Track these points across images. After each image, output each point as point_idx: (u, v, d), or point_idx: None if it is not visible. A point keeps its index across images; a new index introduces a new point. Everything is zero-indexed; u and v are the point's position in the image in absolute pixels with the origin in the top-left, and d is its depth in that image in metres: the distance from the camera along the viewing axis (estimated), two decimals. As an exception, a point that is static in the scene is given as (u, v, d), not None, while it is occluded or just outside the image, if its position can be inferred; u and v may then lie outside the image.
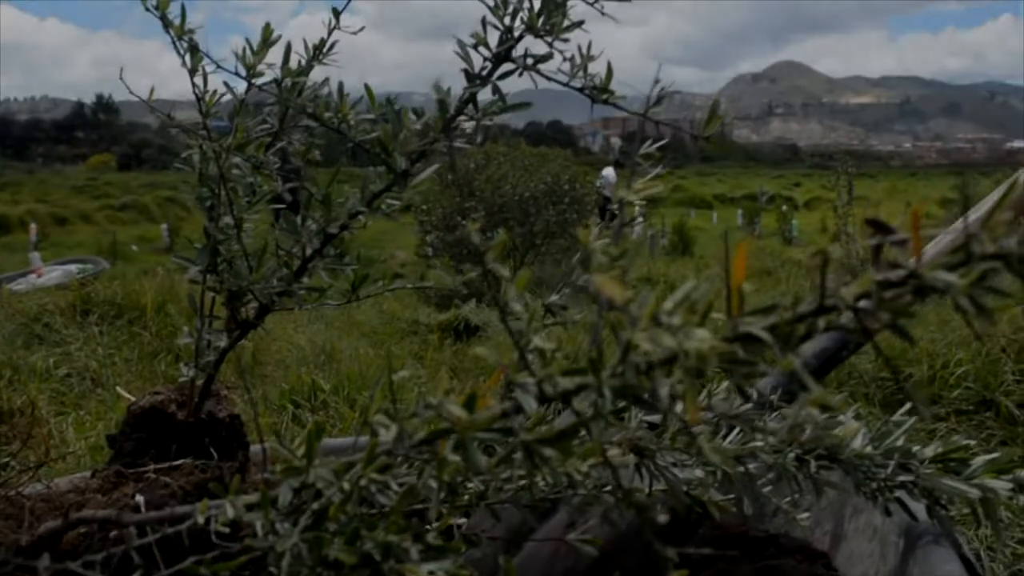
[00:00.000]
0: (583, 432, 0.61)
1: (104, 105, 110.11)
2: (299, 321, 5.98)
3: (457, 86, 1.11)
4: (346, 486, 0.69)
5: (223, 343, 1.40)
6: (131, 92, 1.26)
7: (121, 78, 1.30)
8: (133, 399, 1.54)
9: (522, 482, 0.96)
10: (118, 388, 2.39)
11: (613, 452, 0.72)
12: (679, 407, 0.58)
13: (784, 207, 20.95)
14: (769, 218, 21.29)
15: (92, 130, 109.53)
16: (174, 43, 1.16)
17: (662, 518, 0.60)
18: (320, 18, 1.27)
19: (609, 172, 20.10)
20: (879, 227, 0.54)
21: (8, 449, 2.65)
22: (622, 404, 0.59)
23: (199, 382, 1.45)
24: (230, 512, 0.75)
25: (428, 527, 0.75)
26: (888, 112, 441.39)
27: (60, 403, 3.93)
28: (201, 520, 0.75)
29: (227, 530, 0.78)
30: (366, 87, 1.19)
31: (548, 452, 0.61)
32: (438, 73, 1.06)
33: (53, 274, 11.18)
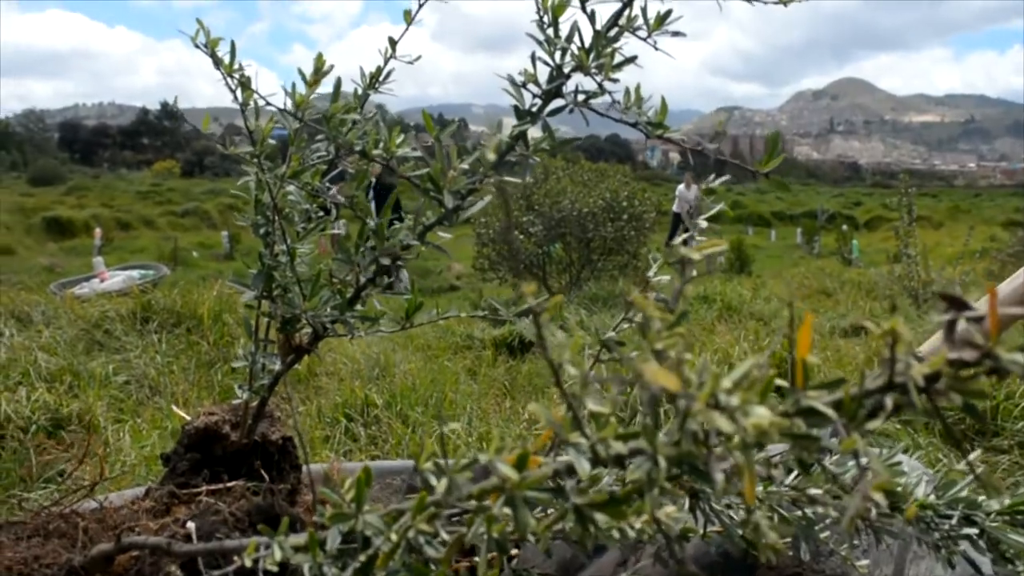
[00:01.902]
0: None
1: (168, 112, 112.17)
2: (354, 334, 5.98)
3: (511, 100, 1.09)
4: (394, 536, 0.68)
5: (277, 367, 1.41)
6: (177, 116, 1.27)
7: (175, 108, 1.31)
8: (188, 418, 1.55)
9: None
10: (173, 407, 2.42)
11: (666, 509, 0.70)
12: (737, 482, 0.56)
13: (844, 227, 20.61)
14: (828, 237, 20.98)
15: (156, 136, 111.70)
16: (225, 81, 1.16)
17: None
18: (381, 29, 1.27)
19: (682, 189, 19.99)
20: (954, 303, 0.52)
21: (65, 457, 2.71)
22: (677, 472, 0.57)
23: (253, 404, 1.45)
24: (278, 555, 0.75)
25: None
26: (952, 131, 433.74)
27: (118, 410, 3.98)
28: (249, 563, 0.74)
29: (275, 569, 0.77)
30: (425, 116, 1.19)
31: (599, 516, 0.59)
32: (495, 85, 1.04)
33: (116, 279, 11.38)
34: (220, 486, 1.36)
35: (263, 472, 1.45)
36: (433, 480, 0.68)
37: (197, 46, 1.15)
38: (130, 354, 4.81)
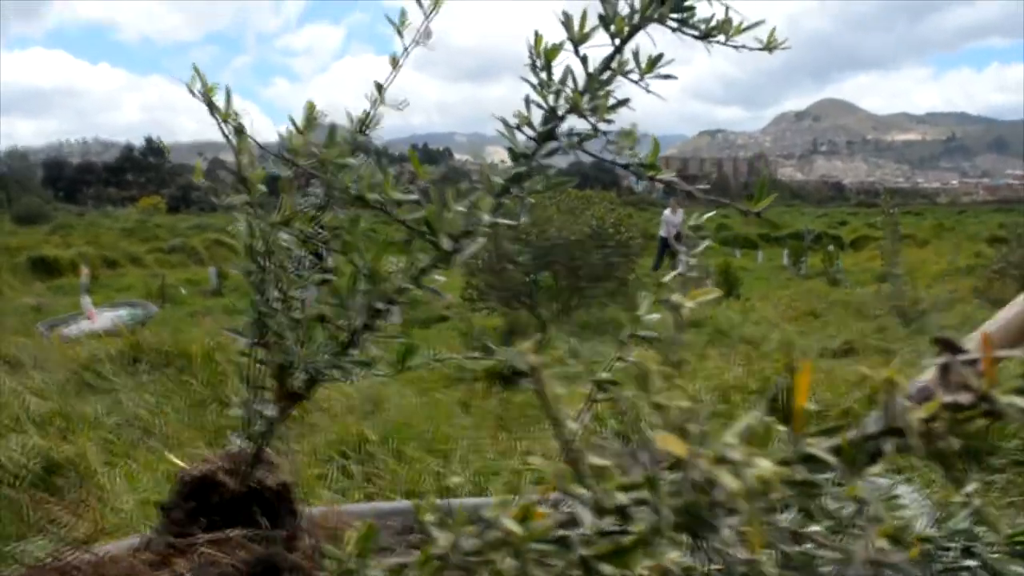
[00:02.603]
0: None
1: (153, 148, 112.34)
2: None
3: (498, 127, 1.10)
4: (399, 592, 0.68)
5: (272, 413, 1.41)
6: (159, 151, 1.28)
7: (159, 144, 1.32)
8: (183, 465, 1.54)
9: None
10: (168, 455, 2.41)
11: (672, 556, 0.70)
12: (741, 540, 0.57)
13: (830, 247, 20.69)
14: (815, 258, 21.07)
15: (141, 172, 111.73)
16: (220, 127, 1.17)
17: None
18: (364, 60, 1.29)
19: (667, 214, 20.04)
20: (948, 346, 0.53)
21: (59, 506, 2.68)
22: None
23: (249, 451, 1.45)
24: (281, 612, 0.75)
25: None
26: (934, 149, 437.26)
27: (110, 452, 3.96)
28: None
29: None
30: (411, 155, 1.20)
31: (607, 568, 0.60)
32: (479, 114, 1.06)
33: (104, 318, 11.34)
34: (218, 535, 1.36)
35: (261, 519, 1.44)
36: (436, 532, 0.68)
37: (193, 93, 1.15)
38: (121, 395, 4.80)
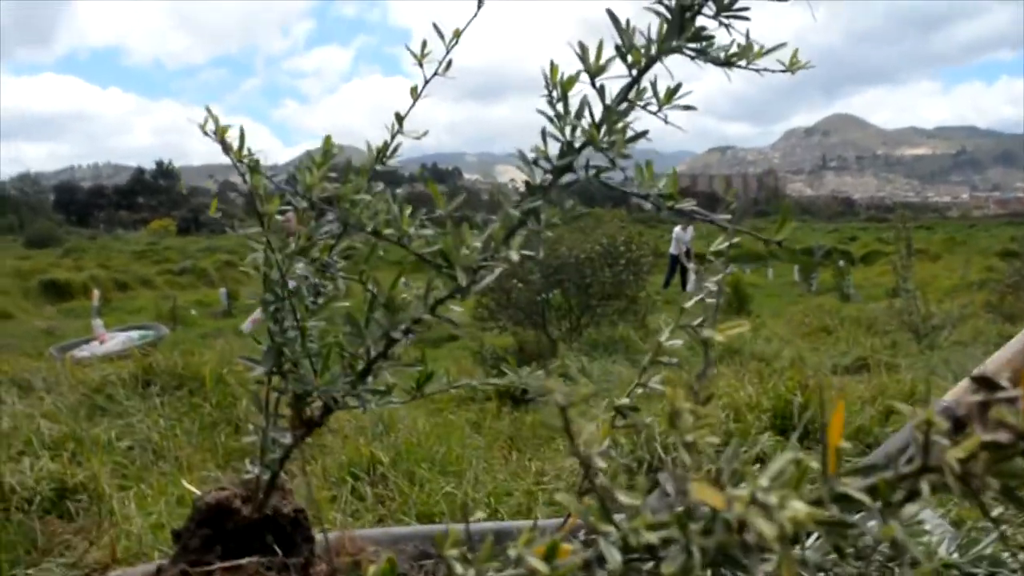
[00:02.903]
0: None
1: (164, 171, 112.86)
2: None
3: (506, 146, 1.10)
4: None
5: (287, 440, 1.40)
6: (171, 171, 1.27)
7: (171, 167, 1.31)
8: (197, 492, 1.54)
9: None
10: (184, 482, 2.40)
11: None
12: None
13: (841, 262, 20.63)
14: (826, 274, 21.00)
15: (152, 195, 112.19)
16: (235, 165, 1.17)
17: None
18: (372, 81, 1.28)
19: (678, 231, 20.02)
20: (985, 384, 0.52)
21: (71, 530, 2.68)
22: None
23: (265, 478, 1.44)
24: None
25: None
26: (944, 163, 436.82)
27: (122, 476, 3.95)
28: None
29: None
30: (430, 185, 1.20)
31: (634, 608, 0.59)
32: (487, 134, 1.05)
33: (115, 341, 11.36)
34: (233, 563, 1.35)
35: (276, 546, 1.44)
36: (459, 569, 0.67)
37: (205, 133, 1.15)
38: (133, 418, 4.79)
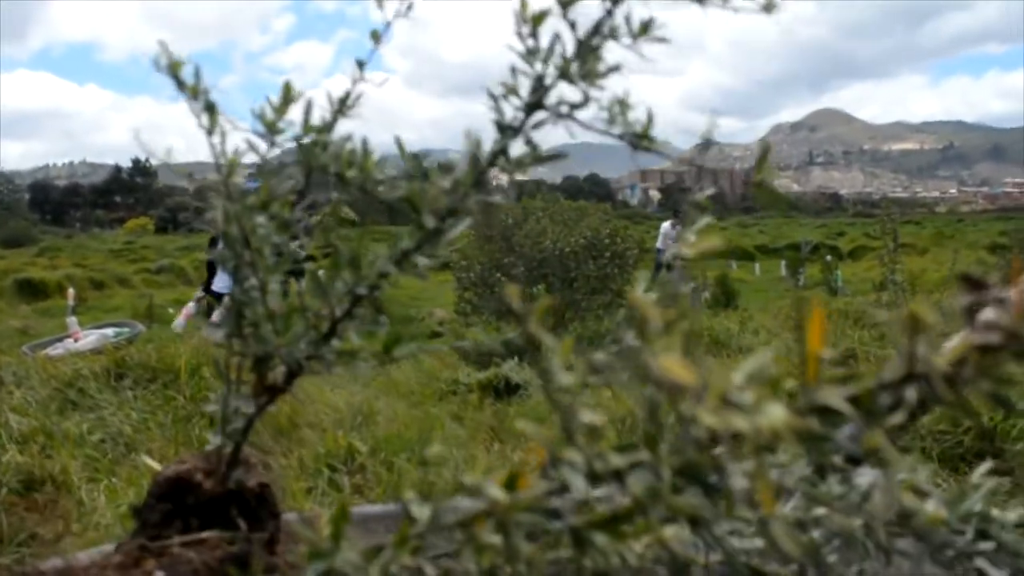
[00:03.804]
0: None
1: (141, 169, 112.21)
2: (336, 382, 5.95)
3: (490, 140, 1.06)
4: (375, 573, 0.64)
5: (250, 408, 1.36)
6: (150, 156, 1.24)
7: (147, 164, 1.27)
8: (159, 468, 1.49)
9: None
10: (144, 456, 2.35)
11: (670, 530, 0.65)
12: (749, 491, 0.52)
13: (828, 257, 20.69)
14: (813, 269, 21.06)
15: (129, 194, 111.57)
16: (189, 103, 1.12)
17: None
18: (344, 79, 1.24)
19: (667, 226, 20.07)
20: (974, 284, 0.49)
21: (36, 518, 2.63)
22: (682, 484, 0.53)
23: (227, 450, 1.40)
24: (250, 601, 0.70)
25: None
26: (931, 158, 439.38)
27: (94, 469, 3.90)
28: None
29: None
30: (397, 141, 1.16)
31: (599, 538, 0.55)
32: (473, 130, 1.01)
33: (89, 338, 11.26)
34: (194, 537, 1.31)
35: (240, 521, 1.39)
36: (416, 511, 0.64)
37: (158, 68, 1.11)
38: (105, 412, 4.72)
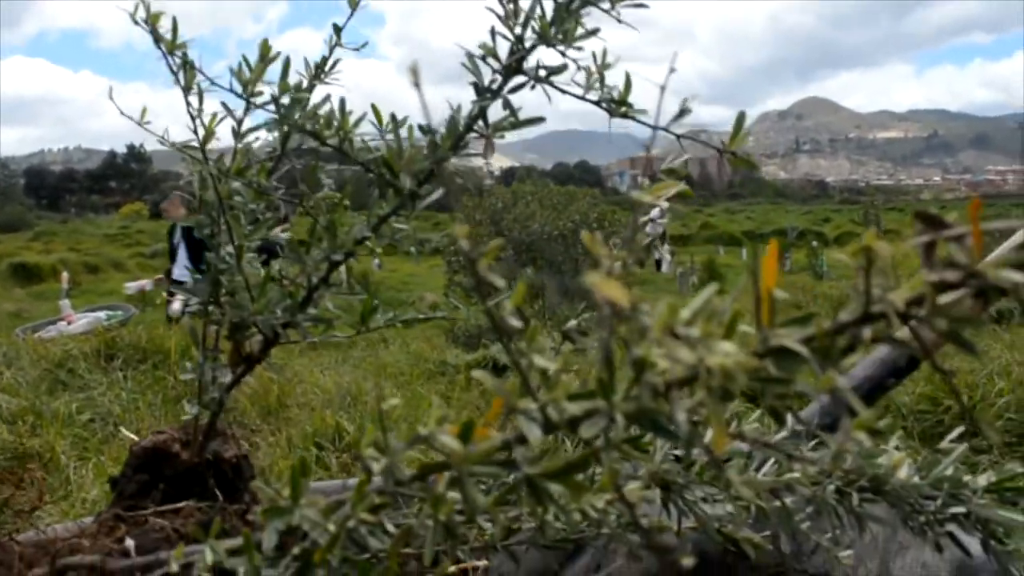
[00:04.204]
0: (596, 464, 0.53)
1: (136, 154, 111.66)
2: (325, 363, 5.93)
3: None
4: (332, 528, 0.62)
5: (227, 378, 1.34)
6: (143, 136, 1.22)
7: (141, 150, 1.25)
8: (137, 439, 1.47)
9: (535, 521, 0.88)
10: (122, 428, 2.33)
11: (632, 487, 0.64)
12: (704, 435, 0.51)
13: (814, 243, 20.75)
14: (799, 254, 21.11)
15: (124, 179, 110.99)
16: (166, 58, 1.10)
17: (687, 561, 0.52)
18: (346, 65, 1.22)
19: (654, 212, 20.00)
20: (930, 221, 0.47)
21: (18, 491, 2.60)
22: (638, 432, 0.52)
23: (203, 420, 1.38)
24: (209, 557, 0.68)
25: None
26: (916, 146, 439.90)
27: (83, 448, 3.88)
28: (175, 567, 0.68)
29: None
30: (373, 107, 1.14)
31: (554, 487, 0.53)
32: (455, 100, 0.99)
33: (82, 321, 11.22)
34: (169, 507, 1.29)
35: (217, 491, 1.38)
36: (372, 463, 0.62)
37: (136, 22, 1.08)
38: (94, 392, 4.70)
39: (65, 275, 13.83)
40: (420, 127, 1.04)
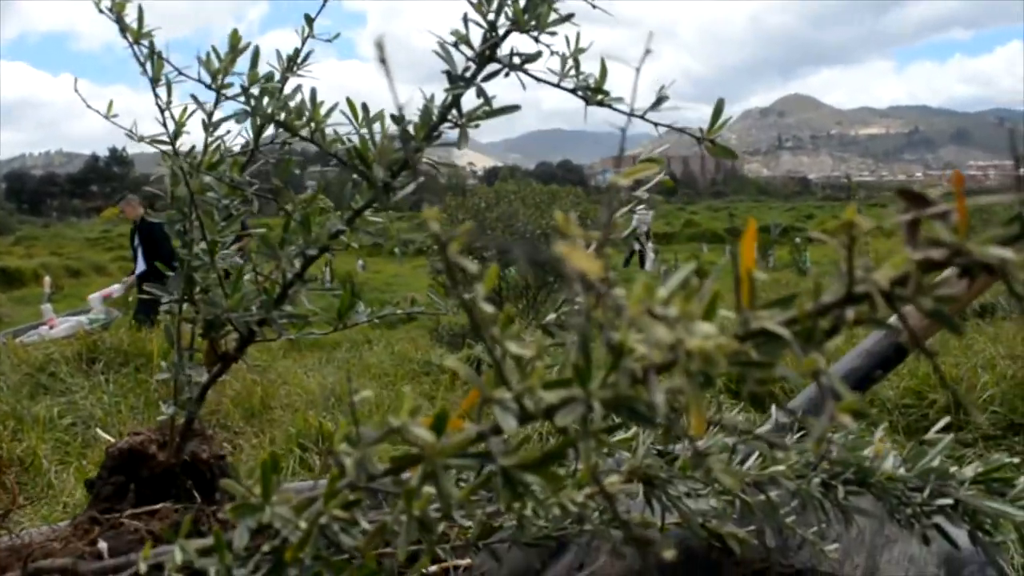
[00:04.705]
0: (574, 454, 0.52)
1: (117, 158, 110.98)
2: (309, 364, 5.90)
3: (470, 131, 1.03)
4: (304, 525, 0.60)
5: (203, 378, 1.32)
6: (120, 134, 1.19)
7: (123, 153, 1.23)
8: (114, 441, 1.45)
9: (515, 518, 0.86)
10: (99, 430, 2.30)
11: (611, 480, 0.62)
12: (683, 422, 0.49)
13: (798, 239, 20.81)
14: (782, 251, 21.17)
15: (106, 183, 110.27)
16: (132, 49, 1.08)
17: (668, 553, 0.50)
18: (318, 67, 1.20)
19: (640, 209, 20.00)
20: (913, 199, 0.45)
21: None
22: (616, 420, 0.50)
23: (180, 421, 1.36)
24: (179, 557, 0.66)
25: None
26: (897, 142, 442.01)
27: (64, 452, 3.84)
28: (143, 568, 0.66)
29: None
30: (348, 100, 1.11)
31: (531, 479, 0.52)
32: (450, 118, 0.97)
33: (64, 325, 11.13)
34: (145, 508, 1.27)
35: (194, 492, 1.36)
36: (345, 458, 0.60)
37: (100, 10, 1.06)
38: (76, 396, 4.66)
39: (47, 279, 13.73)
40: (392, 116, 1.02)
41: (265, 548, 0.60)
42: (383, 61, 0.49)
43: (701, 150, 1.09)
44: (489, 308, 0.49)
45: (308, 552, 0.60)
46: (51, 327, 11.15)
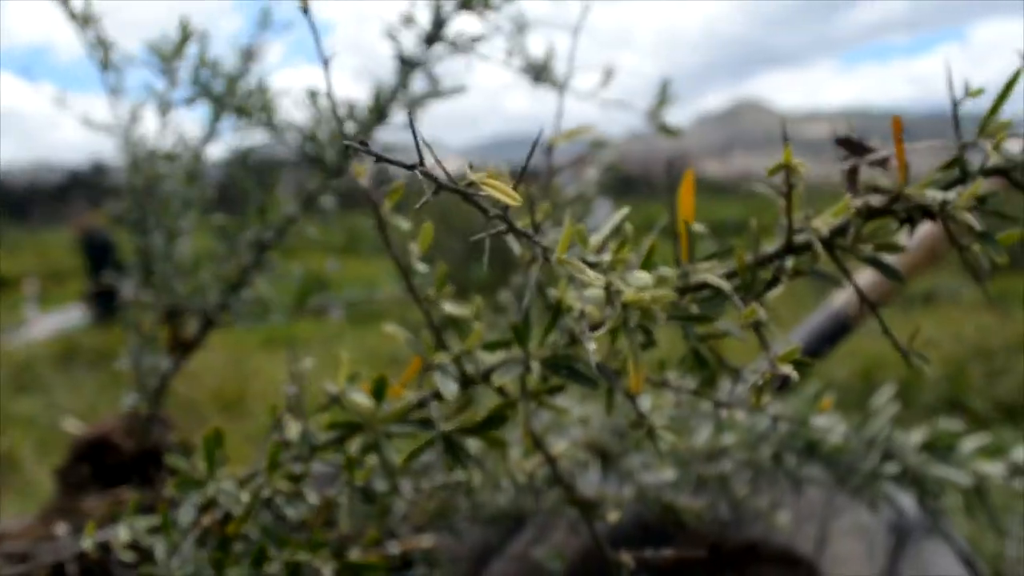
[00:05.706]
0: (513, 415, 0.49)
1: (97, 166, 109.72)
2: (283, 358, 5.82)
3: (454, 135, 0.99)
4: (246, 498, 0.56)
5: (165, 366, 1.27)
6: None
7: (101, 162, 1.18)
8: (79, 431, 1.40)
9: (467, 494, 0.83)
10: (66, 420, 2.23)
11: (558, 448, 0.59)
12: (622, 380, 0.46)
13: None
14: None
15: (88, 191, 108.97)
16: (79, 34, 1.03)
17: (612, 516, 0.47)
18: (304, 72, 1.15)
19: (601, 203, 20.00)
20: (851, 146, 0.43)
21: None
22: (556, 382, 0.47)
23: (144, 410, 1.31)
24: (123, 535, 0.62)
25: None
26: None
27: (44, 451, 3.75)
28: (88, 544, 0.62)
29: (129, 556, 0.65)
30: (308, 90, 1.07)
31: (472, 444, 0.48)
32: (435, 123, 0.94)
33: (47, 325, 10.97)
34: (108, 495, 1.22)
35: (158, 479, 1.31)
36: (289, 427, 0.57)
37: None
38: (56, 394, 4.56)
39: (31, 282, 13.52)
40: (333, 99, 0.98)
41: (206, 522, 0.56)
42: (316, 40, 0.46)
43: (658, 155, 1.06)
44: (423, 267, 0.46)
45: (254, 526, 0.57)
46: (33, 328, 10.98)
